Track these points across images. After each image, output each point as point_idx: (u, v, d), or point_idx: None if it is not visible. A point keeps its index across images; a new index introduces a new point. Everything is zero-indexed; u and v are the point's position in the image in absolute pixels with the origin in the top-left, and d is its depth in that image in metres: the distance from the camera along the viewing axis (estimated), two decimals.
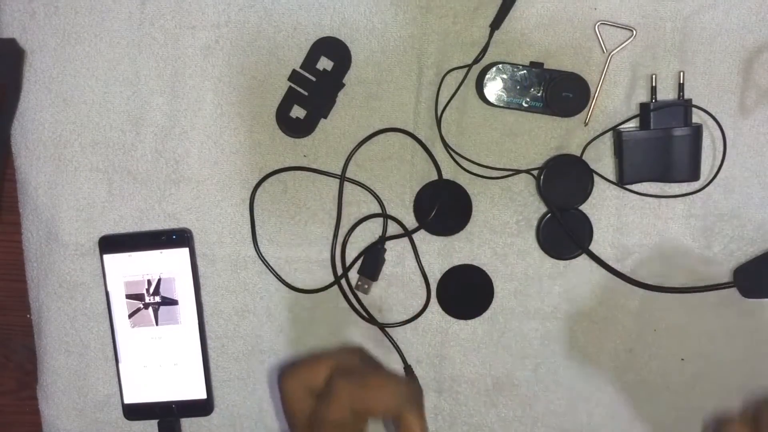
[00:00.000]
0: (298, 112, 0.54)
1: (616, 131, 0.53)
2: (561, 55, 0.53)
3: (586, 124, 0.54)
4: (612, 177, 0.54)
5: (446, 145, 0.54)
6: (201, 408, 0.56)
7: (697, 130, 0.52)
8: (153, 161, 0.55)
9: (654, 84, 0.52)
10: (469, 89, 0.54)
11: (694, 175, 0.52)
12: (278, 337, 0.56)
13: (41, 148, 0.55)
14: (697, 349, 0.55)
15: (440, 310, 0.55)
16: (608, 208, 0.54)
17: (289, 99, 0.54)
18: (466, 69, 0.53)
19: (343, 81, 0.54)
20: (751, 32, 0.52)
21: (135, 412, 0.57)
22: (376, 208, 0.55)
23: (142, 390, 0.56)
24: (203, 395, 0.56)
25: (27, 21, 0.54)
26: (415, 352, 0.56)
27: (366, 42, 0.54)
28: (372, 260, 0.55)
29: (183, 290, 0.55)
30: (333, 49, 0.53)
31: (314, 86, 0.53)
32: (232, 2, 0.54)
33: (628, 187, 0.53)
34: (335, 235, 0.55)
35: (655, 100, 0.52)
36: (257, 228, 0.55)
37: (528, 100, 0.53)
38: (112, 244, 0.55)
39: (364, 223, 0.55)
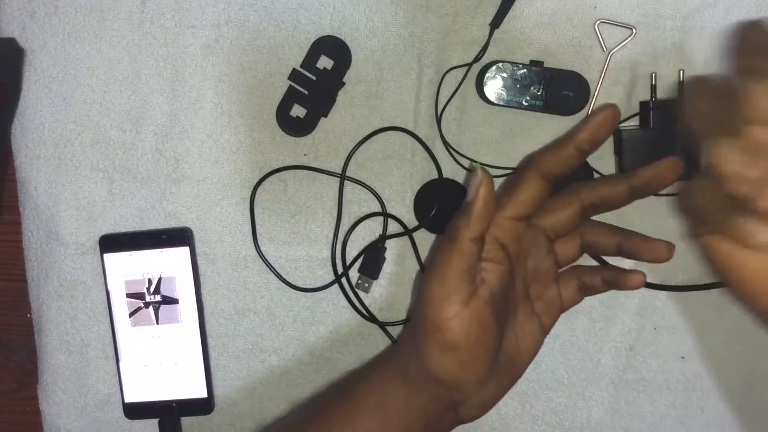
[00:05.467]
0: (298, 111, 0.54)
1: (616, 129, 0.53)
2: (561, 53, 0.53)
3: None
4: None
5: (446, 144, 0.54)
6: (201, 407, 0.56)
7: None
8: (153, 160, 0.55)
9: (654, 82, 0.52)
10: (469, 88, 0.54)
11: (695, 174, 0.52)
12: (279, 336, 0.56)
13: (41, 148, 0.55)
14: (697, 347, 0.55)
15: None
16: None
17: (290, 98, 0.54)
18: (466, 68, 0.53)
19: (344, 80, 0.54)
20: None
21: (135, 411, 0.57)
22: (376, 207, 0.55)
23: (143, 389, 0.56)
24: (204, 394, 0.56)
25: (27, 20, 0.54)
26: None
27: (366, 41, 0.54)
28: (372, 259, 0.55)
29: (183, 289, 0.55)
30: (333, 47, 0.53)
31: (314, 85, 0.53)
32: (232, 1, 0.54)
33: None
34: (335, 234, 0.55)
35: (655, 99, 0.52)
36: (257, 227, 0.55)
37: (528, 98, 0.53)
38: (113, 243, 0.55)
39: (365, 221, 0.55)
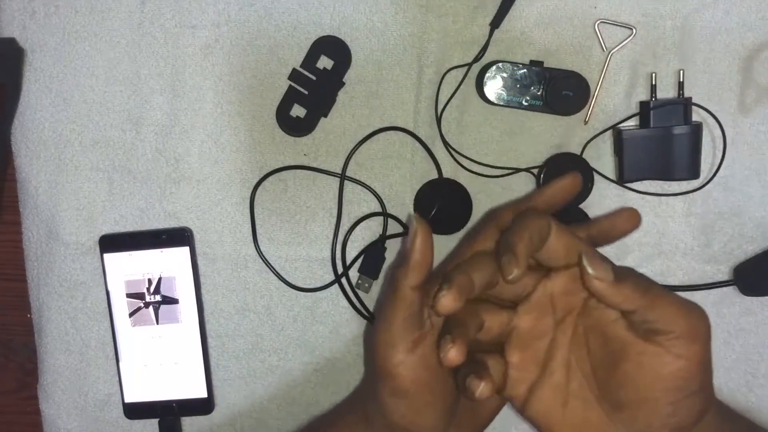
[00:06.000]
0: (298, 111, 0.54)
1: (616, 129, 0.53)
2: (561, 53, 0.53)
3: (586, 123, 0.54)
4: (612, 175, 0.54)
5: (446, 144, 0.54)
6: (201, 407, 0.56)
7: (697, 129, 0.52)
8: (153, 160, 0.55)
9: (654, 82, 0.52)
10: (469, 88, 0.54)
11: (694, 174, 0.52)
12: (279, 336, 0.56)
13: (41, 148, 0.55)
14: None
15: None
16: (608, 207, 0.54)
17: (290, 98, 0.54)
18: (466, 68, 0.53)
19: (344, 80, 0.54)
20: (751, 30, 0.52)
21: (135, 411, 0.57)
22: (376, 207, 0.55)
23: (143, 389, 0.56)
24: (204, 394, 0.56)
25: (27, 20, 0.54)
26: None
27: (366, 41, 0.54)
28: (372, 259, 0.55)
29: (183, 289, 0.55)
30: (333, 48, 0.53)
31: (314, 85, 0.53)
32: (232, 1, 0.54)
33: (628, 185, 0.53)
34: (335, 234, 0.55)
35: (655, 99, 0.52)
36: (257, 227, 0.55)
37: (528, 98, 0.53)
38: (113, 243, 0.55)
39: (365, 221, 0.55)
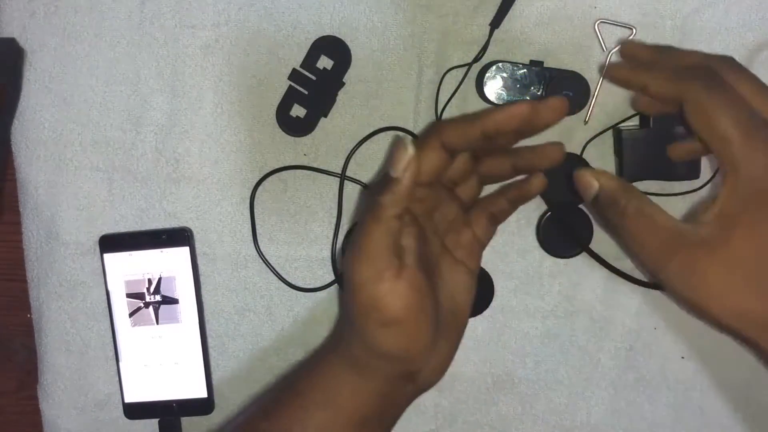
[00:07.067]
0: (298, 111, 0.54)
1: (616, 129, 0.53)
2: (561, 53, 0.53)
3: (586, 123, 0.54)
4: None
5: None
6: (201, 407, 0.56)
7: None
8: (153, 160, 0.55)
9: None
10: (469, 88, 0.54)
11: (694, 174, 0.52)
12: (279, 336, 0.56)
13: (41, 148, 0.55)
14: (697, 347, 0.55)
15: None
16: None
17: (289, 98, 0.54)
18: (466, 68, 0.53)
19: (344, 80, 0.54)
20: (750, 30, 0.52)
21: (135, 411, 0.57)
22: None
23: (143, 389, 0.56)
24: (204, 394, 0.56)
25: (27, 20, 0.54)
26: None
27: (366, 41, 0.54)
28: None
29: (183, 289, 0.55)
30: (333, 47, 0.53)
31: (314, 85, 0.53)
32: (232, 1, 0.54)
33: None
34: (335, 234, 0.55)
35: None
36: (257, 227, 0.55)
37: (528, 98, 0.53)
38: (113, 243, 0.55)
39: None
